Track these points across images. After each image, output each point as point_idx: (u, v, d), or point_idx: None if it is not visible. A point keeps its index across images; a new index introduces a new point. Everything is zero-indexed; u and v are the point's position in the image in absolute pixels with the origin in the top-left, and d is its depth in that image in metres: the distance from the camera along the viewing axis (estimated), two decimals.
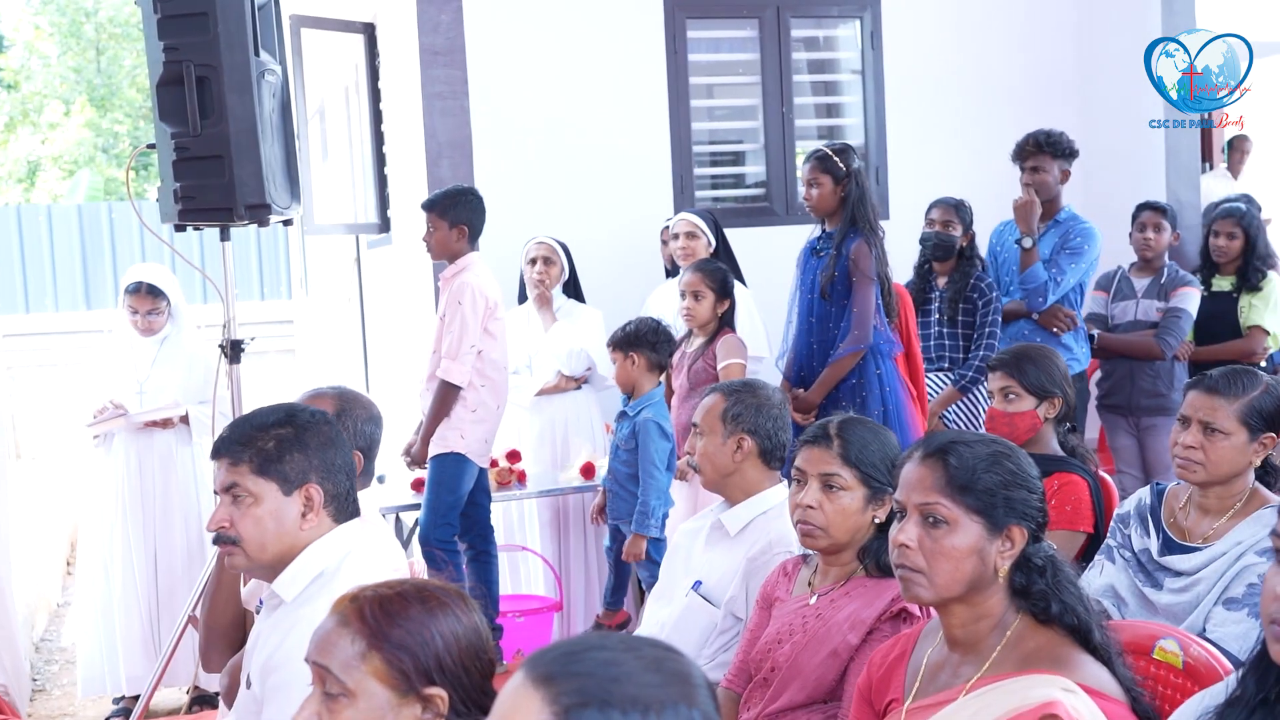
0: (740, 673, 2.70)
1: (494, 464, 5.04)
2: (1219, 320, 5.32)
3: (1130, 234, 5.32)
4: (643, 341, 4.60)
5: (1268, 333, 5.30)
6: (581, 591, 5.40)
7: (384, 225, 6.55)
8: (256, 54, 3.70)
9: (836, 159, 4.34)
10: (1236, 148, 9.60)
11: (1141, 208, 5.36)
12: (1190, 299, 5.18)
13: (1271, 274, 5.39)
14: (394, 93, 6.24)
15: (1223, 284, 5.39)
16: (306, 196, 5.95)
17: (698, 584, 2.99)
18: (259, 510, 2.25)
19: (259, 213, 3.77)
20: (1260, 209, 6.14)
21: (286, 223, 4.07)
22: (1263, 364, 5.15)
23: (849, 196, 4.33)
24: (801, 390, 4.40)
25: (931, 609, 2.31)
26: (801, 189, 4.57)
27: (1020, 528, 2.02)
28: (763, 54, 6.28)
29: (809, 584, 2.63)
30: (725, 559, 2.97)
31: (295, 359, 11.31)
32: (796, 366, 4.49)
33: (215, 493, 2.35)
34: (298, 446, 2.28)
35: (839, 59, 6.65)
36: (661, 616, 3.05)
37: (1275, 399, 2.92)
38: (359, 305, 7.43)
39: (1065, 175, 5.13)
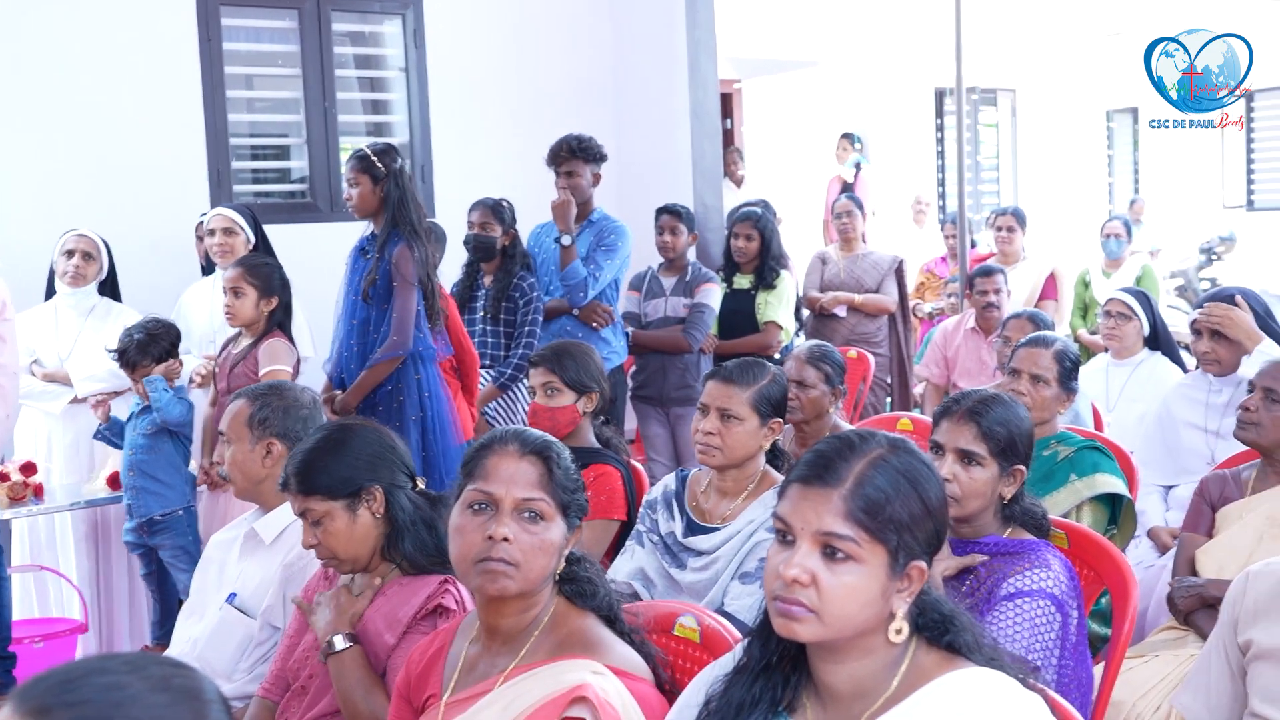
0: (277, 681, 2.61)
1: (5, 477, 4.61)
2: (740, 315, 5.73)
3: (654, 238, 5.63)
4: (147, 348, 4.48)
5: (781, 327, 5.76)
6: (124, 610, 5.05)
7: None
8: None
9: (376, 160, 4.26)
10: (729, 160, 10.35)
11: (660, 211, 5.66)
12: (712, 294, 5.56)
13: (784, 273, 5.86)
14: None
15: (743, 282, 5.81)
16: None
17: (232, 596, 2.87)
18: None
19: None
20: (775, 213, 6.66)
21: None
22: (777, 356, 5.58)
23: (389, 197, 4.26)
24: (340, 393, 4.32)
25: (468, 604, 2.35)
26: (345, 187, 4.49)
27: (579, 528, 2.14)
28: (303, 47, 6.13)
29: (346, 589, 2.59)
30: (260, 568, 2.87)
31: None
32: (339, 368, 4.39)
33: None
34: None
35: (385, 55, 6.60)
36: (194, 632, 2.91)
37: (781, 388, 3.20)
38: None
39: (597, 178, 5.36)
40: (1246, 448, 3.51)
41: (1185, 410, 4.23)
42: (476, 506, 2.06)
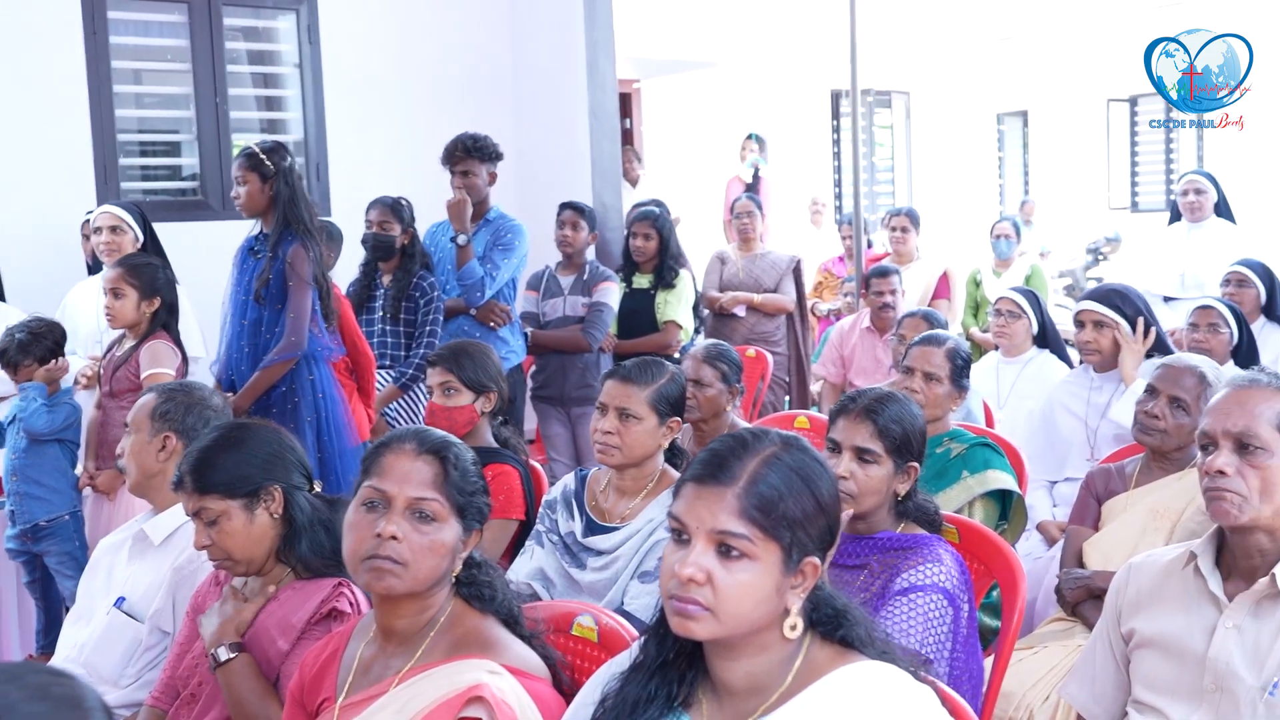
0: (167, 689, 2.56)
1: None
2: (639, 315, 5.75)
3: (554, 232, 5.63)
4: (29, 348, 4.34)
5: (681, 326, 5.79)
6: (13, 619, 4.89)
7: None
8: None
9: (264, 158, 4.17)
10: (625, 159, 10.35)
11: (562, 207, 5.67)
12: (610, 294, 5.56)
13: (683, 272, 5.88)
14: None
15: (642, 282, 5.82)
16: None
17: (120, 600, 2.81)
18: None
19: None
20: (669, 213, 6.68)
21: None
22: (676, 355, 5.60)
23: (279, 196, 4.18)
24: (231, 395, 4.23)
25: (363, 607, 2.33)
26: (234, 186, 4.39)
27: (478, 531, 2.13)
28: (193, 41, 6.01)
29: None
30: (149, 571, 2.81)
31: None
32: (228, 370, 4.29)
33: None
34: None
35: (279, 51, 6.49)
36: (80, 638, 2.83)
37: (679, 387, 3.21)
38: None
39: (493, 177, 5.33)
40: (1132, 442, 3.61)
41: (1067, 406, 4.34)
42: (370, 504, 2.05)
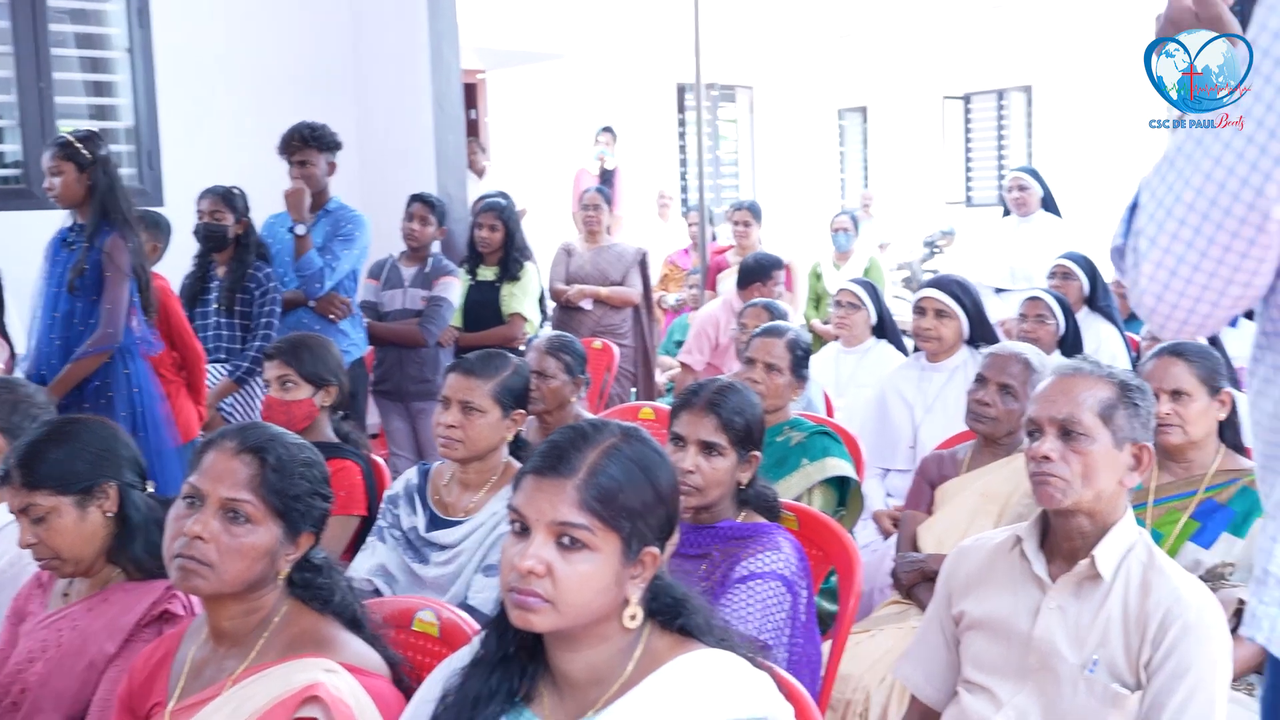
0: None
1: None
2: (485, 308, 5.69)
3: (401, 223, 5.55)
4: None
5: (527, 319, 5.76)
6: None
7: None
8: None
9: (80, 146, 4.03)
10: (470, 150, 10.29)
11: (413, 199, 5.58)
12: (451, 288, 5.49)
13: (529, 264, 5.85)
14: None
15: (487, 274, 5.77)
16: None
17: None
18: None
19: None
20: (515, 204, 6.65)
21: None
22: (522, 347, 5.57)
23: (97, 186, 4.05)
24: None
25: (197, 609, 2.26)
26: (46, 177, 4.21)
27: (310, 534, 2.07)
28: (15, 23, 5.75)
29: (65, 596, 2.45)
30: None
31: None
32: (38, 365, 4.12)
33: None
34: None
35: (109, 35, 6.26)
36: None
37: (523, 379, 3.20)
38: None
39: (332, 167, 5.23)
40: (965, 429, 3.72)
41: (900, 393, 4.45)
42: (188, 501, 2.01)
